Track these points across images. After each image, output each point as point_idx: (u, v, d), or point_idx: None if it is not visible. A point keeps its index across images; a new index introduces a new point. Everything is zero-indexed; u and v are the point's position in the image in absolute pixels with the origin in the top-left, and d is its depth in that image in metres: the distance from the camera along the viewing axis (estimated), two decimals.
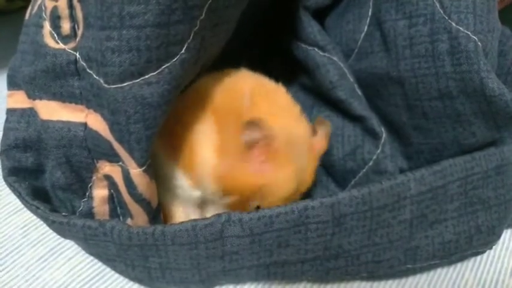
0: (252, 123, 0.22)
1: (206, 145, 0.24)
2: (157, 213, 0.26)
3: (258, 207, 0.24)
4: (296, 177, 0.24)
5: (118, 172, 0.23)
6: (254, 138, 0.23)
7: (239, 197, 0.24)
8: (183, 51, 0.20)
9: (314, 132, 0.27)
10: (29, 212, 0.25)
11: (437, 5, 0.25)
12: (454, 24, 0.24)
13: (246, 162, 0.23)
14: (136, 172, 0.22)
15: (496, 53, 0.26)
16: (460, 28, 0.24)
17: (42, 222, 0.27)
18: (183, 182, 0.25)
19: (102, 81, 0.20)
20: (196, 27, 0.20)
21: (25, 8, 0.25)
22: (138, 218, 0.24)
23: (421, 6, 0.26)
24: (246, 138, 0.23)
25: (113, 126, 0.21)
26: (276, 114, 0.24)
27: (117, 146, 0.22)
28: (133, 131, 0.20)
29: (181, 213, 0.27)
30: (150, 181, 0.23)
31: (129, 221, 0.25)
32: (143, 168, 0.22)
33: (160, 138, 0.23)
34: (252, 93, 0.25)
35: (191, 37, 0.20)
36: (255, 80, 0.27)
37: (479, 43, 0.24)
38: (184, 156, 0.25)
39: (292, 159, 0.24)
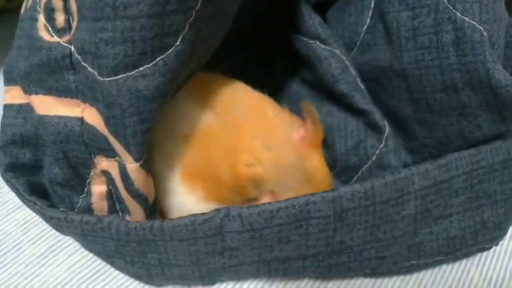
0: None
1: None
2: (154, 209, 0.25)
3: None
4: None
5: (115, 167, 0.23)
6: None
7: None
8: (178, 42, 0.20)
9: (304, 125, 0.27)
10: (29, 209, 0.25)
11: None
12: (459, 14, 0.24)
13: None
14: (132, 167, 0.22)
15: (502, 44, 0.25)
16: (465, 18, 0.24)
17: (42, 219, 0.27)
18: None
19: (96, 74, 0.20)
20: (192, 18, 0.20)
21: None
22: (136, 214, 0.24)
23: None
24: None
25: (108, 120, 0.21)
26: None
27: (112, 140, 0.21)
28: (129, 124, 0.20)
29: None
30: (147, 176, 0.23)
31: (127, 217, 0.24)
32: (139, 163, 0.21)
33: None
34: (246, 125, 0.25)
35: (186, 28, 0.20)
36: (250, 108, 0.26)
37: (485, 33, 0.23)
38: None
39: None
